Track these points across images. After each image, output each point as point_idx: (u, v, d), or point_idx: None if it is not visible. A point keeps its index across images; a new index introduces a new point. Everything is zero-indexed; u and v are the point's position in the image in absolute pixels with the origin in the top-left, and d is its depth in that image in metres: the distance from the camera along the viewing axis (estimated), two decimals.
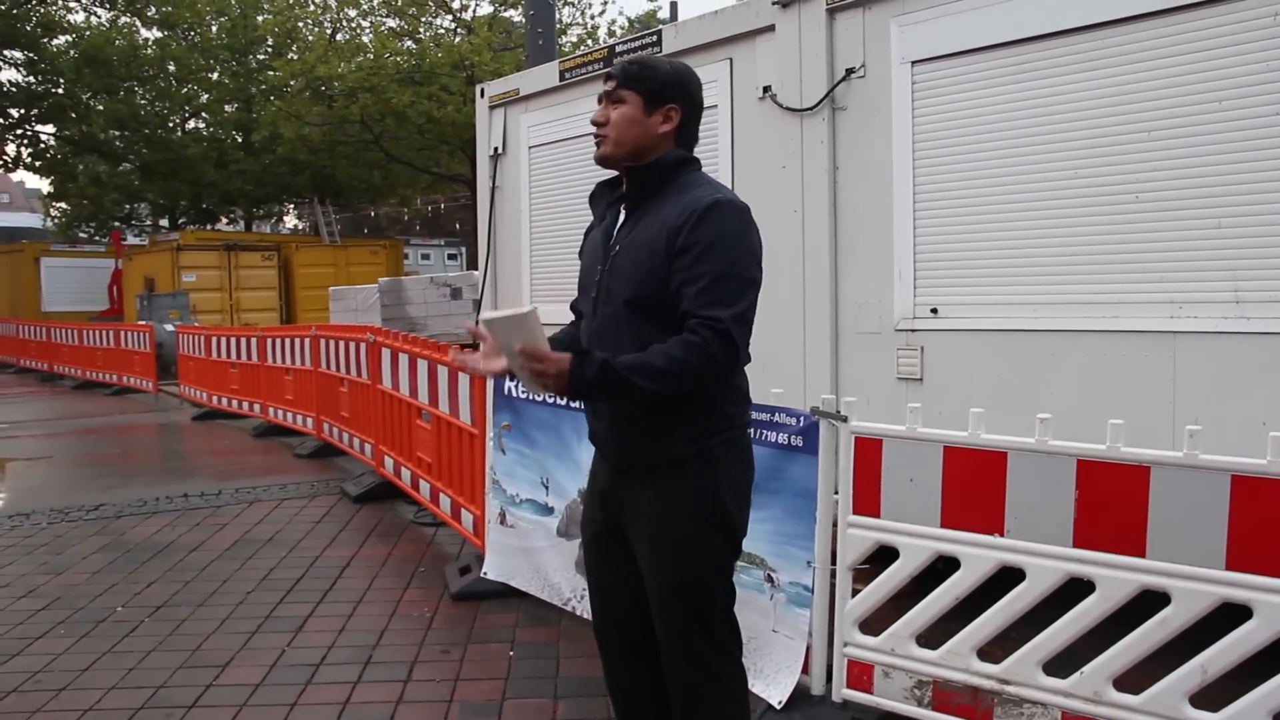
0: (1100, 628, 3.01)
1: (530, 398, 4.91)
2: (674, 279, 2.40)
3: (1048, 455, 3.08)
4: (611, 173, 2.67)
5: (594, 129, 2.59)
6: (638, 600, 2.64)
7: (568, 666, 4.21)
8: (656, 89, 2.54)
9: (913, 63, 4.93)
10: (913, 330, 4.97)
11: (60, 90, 28.64)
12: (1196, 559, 2.80)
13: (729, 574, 2.63)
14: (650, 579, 2.57)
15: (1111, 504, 2.96)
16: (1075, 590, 3.05)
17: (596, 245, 2.67)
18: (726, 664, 2.60)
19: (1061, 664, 3.09)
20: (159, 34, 30.31)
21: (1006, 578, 3.19)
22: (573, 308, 2.87)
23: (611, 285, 2.53)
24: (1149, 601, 2.91)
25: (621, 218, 2.61)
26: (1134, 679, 2.97)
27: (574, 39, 26.66)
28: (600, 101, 2.61)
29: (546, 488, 4.90)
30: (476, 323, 2.39)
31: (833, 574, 3.59)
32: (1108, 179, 4.30)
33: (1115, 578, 2.94)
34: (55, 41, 28.70)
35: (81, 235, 32.63)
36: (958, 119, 4.79)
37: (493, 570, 5.16)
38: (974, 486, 3.24)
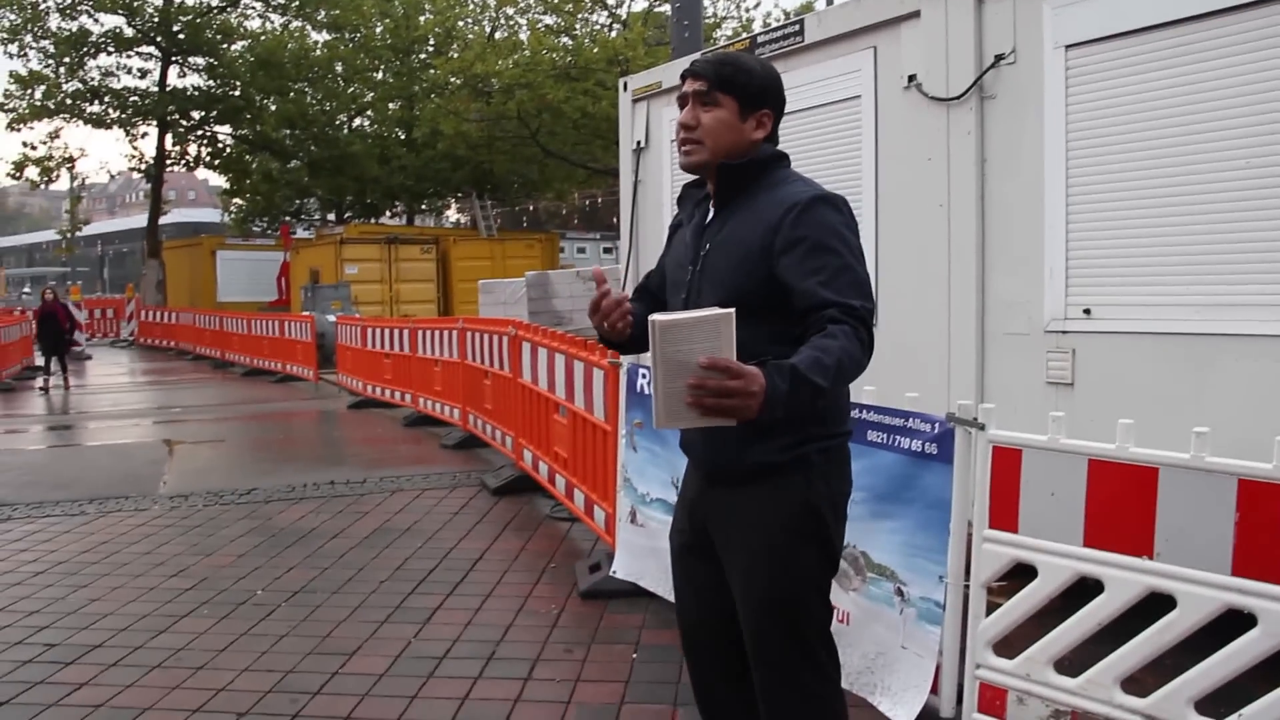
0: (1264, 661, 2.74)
1: None
2: (785, 275, 2.23)
3: (1205, 473, 2.82)
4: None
5: (683, 132, 2.39)
6: (727, 615, 2.49)
7: None
8: (754, 93, 2.38)
9: (1067, 47, 4.65)
10: (1064, 332, 4.69)
11: (236, 93, 30.23)
12: None
13: (826, 591, 2.47)
14: (743, 592, 2.42)
15: (1277, 529, 2.68)
16: (1235, 621, 2.79)
17: (685, 244, 2.52)
18: (823, 685, 2.44)
19: (1216, 702, 2.83)
20: (327, 36, 31.66)
21: (1155, 603, 2.95)
22: (634, 299, 2.69)
23: (704, 284, 2.38)
24: None
25: (710, 216, 2.47)
26: None
27: (729, 32, 26.55)
28: (685, 102, 2.40)
29: (677, 487, 4.81)
30: (649, 326, 1.92)
31: (966, 590, 3.39)
32: None
33: None
34: (233, 47, 30.33)
35: (255, 229, 34.27)
36: (1116, 106, 4.49)
37: (622, 569, 5.11)
38: (1121, 504, 3.00)
